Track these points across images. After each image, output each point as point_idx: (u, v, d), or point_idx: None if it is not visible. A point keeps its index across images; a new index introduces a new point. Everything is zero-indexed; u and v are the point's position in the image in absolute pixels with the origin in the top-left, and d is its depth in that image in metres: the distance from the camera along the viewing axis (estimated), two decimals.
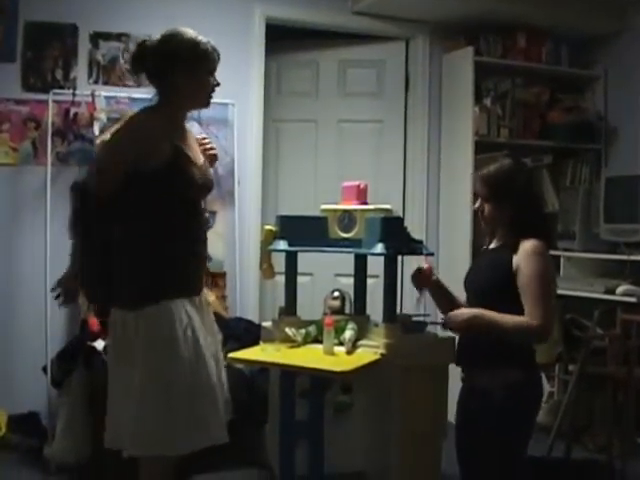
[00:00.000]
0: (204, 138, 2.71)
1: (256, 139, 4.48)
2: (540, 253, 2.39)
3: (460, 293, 2.68)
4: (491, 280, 2.47)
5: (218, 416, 2.44)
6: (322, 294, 3.30)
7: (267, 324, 2.92)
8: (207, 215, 2.64)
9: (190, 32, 2.47)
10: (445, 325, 2.50)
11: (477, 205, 2.55)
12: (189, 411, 2.36)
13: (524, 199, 2.48)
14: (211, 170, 2.66)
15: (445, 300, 2.69)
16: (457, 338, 2.60)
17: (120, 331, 2.42)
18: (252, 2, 4.42)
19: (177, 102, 2.48)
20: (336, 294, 3.19)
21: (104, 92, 4.02)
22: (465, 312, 2.43)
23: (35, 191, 3.95)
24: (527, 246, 2.40)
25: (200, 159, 2.57)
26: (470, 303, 2.56)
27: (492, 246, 2.58)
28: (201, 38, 2.47)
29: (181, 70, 2.42)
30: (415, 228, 4.52)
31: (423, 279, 2.67)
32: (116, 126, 2.57)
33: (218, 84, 2.52)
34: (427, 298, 2.78)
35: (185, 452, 2.38)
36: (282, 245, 2.77)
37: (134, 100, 4.03)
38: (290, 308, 2.83)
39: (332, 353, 2.55)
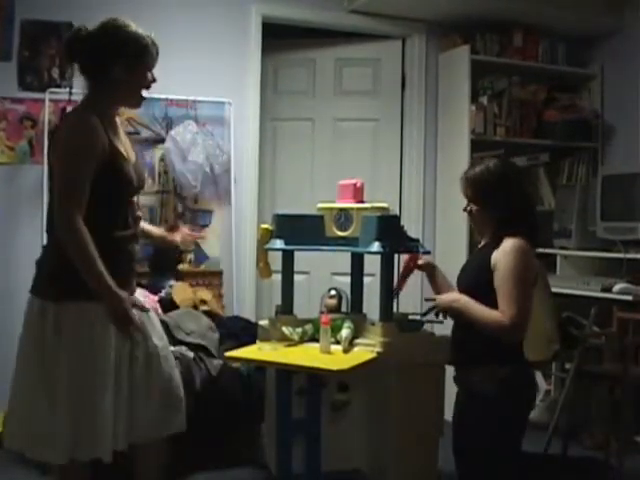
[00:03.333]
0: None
1: (253, 137, 4.47)
2: (518, 251, 2.37)
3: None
4: (475, 279, 2.49)
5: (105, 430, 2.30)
6: (319, 293, 3.31)
7: (264, 323, 2.92)
8: (139, 213, 2.52)
9: (131, 24, 2.40)
10: (433, 304, 2.56)
11: (466, 207, 2.57)
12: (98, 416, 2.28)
13: (507, 200, 2.46)
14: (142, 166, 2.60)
15: (440, 284, 2.74)
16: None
17: (39, 321, 2.37)
18: (249, 1, 4.41)
19: (112, 98, 2.40)
20: (333, 293, 3.20)
21: None
22: (451, 295, 2.53)
23: (32, 190, 3.94)
24: (506, 244, 2.40)
25: (132, 155, 2.47)
26: None
27: (480, 245, 2.60)
28: (142, 32, 2.40)
29: (122, 65, 2.34)
30: (412, 226, 4.54)
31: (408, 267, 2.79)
32: (62, 133, 2.30)
33: (154, 80, 2.45)
34: (427, 288, 2.81)
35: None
36: (279, 244, 2.77)
37: None
38: (287, 307, 2.83)
39: (329, 352, 2.56)
